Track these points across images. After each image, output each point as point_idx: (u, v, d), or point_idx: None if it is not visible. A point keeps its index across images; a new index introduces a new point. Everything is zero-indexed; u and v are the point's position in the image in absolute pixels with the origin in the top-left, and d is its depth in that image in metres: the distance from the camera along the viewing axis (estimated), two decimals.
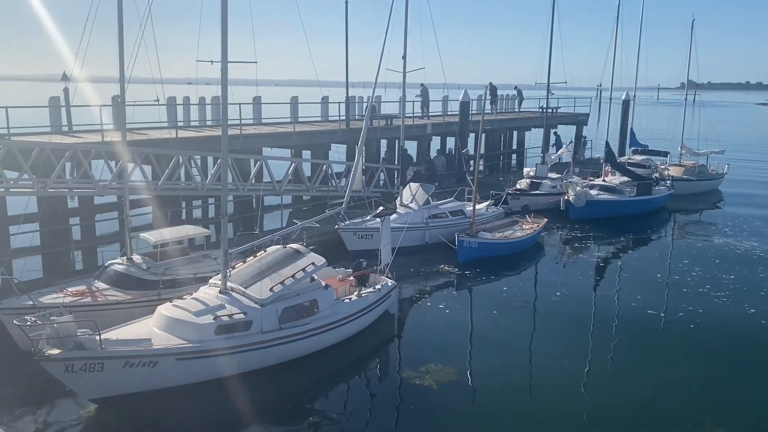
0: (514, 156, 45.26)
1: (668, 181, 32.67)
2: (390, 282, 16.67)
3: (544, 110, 38.93)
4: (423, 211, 23.30)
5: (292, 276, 14.00)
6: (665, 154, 39.20)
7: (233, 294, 13.53)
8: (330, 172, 26.56)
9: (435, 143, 38.92)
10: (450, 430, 11.46)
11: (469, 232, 21.80)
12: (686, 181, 34.76)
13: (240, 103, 24.69)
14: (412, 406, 12.20)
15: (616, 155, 35.30)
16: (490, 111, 41.91)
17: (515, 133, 45.05)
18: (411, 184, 24.74)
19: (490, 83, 43.49)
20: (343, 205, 19.71)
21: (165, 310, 12.99)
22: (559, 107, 46.77)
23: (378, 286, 16.21)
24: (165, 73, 14.86)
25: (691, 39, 39.26)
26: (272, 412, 11.99)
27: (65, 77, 24.11)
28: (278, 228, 20.13)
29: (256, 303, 13.27)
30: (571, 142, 40.91)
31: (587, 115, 48.37)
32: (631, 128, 41.63)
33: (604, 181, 30.82)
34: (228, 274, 13.89)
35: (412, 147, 37.10)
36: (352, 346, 14.75)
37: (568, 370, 13.67)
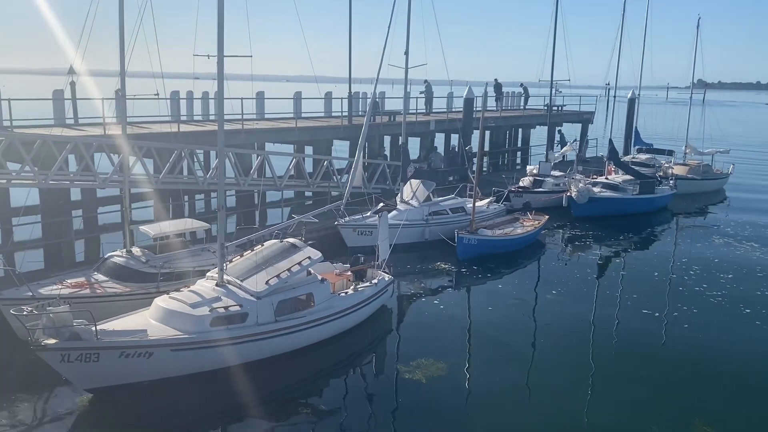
0: (518, 153, 45.21)
1: (672, 181, 32.56)
2: (387, 277, 16.75)
3: (548, 108, 38.83)
4: (423, 208, 23.34)
5: (288, 269, 14.12)
6: (670, 153, 39.06)
7: (230, 286, 13.66)
8: (331, 168, 26.63)
9: (439, 140, 38.91)
10: (434, 423, 11.56)
11: (469, 228, 21.84)
12: (690, 180, 34.63)
13: (242, 98, 24.78)
14: (401, 399, 12.32)
15: (621, 154, 35.20)
16: (495, 108, 41.87)
17: (520, 130, 44.99)
18: (412, 180, 24.79)
19: (495, 80, 43.46)
20: (343, 201, 19.80)
21: (162, 301, 13.14)
22: (565, 105, 46.59)
23: (375, 281, 16.30)
24: (165, 67, 15.00)
25: (696, 38, 39.11)
26: (266, 403, 12.09)
27: (72, 71, 24.28)
28: (278, 223, 20.23)
29: (252, 295, 13.40)
30: (575, 140, 40.79)
31: (592, 113, 48.22)
32: (636, 127, 41.48)
33: (606, 179, 30.76)
34: (225, 267, 14.01)
35: (415, 144, 37.12)
36: (347, 339, 14.87)
37: (561, 368, 13.72)
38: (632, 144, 41.53)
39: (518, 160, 44.10)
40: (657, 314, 16.91)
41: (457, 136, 34.49)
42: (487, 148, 39.73)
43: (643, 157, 37.67)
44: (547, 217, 24.94)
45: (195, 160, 23.05)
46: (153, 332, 12.40)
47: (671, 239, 26.94)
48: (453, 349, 14.46)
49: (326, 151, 30.09)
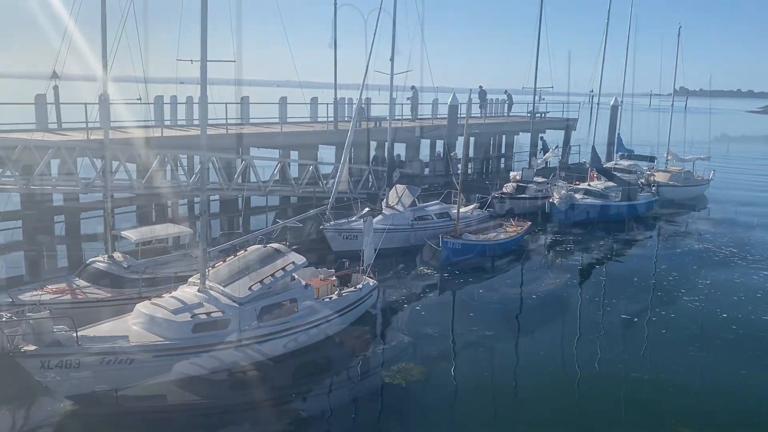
0: (502, 160, 45.48)
1: (654, 187, 32.96)
2: (371, 282, 16.79)
3: (532, 115, 39.19)
4: (408, 213, 23.46)
5: (272, 275, 14.09)
6: (652, 159, 39.54)
7: (212, 292, 13.60)
8: (317, 173, 26.65)
9: (424, 146, 39.07)
10: (414, 427, 11.65)
11: (454, 233, 22.00)
12: (672, 186, 35.09)
13: (226, 103, 24.76)
14: (382, 404, 12.43)
15: (603, 160, 35.58)
16: (479, 114, 42.15)
17: (504, 137, 45.30)
18: (397, 185, 24.89)
19: (480, 87, 43.80)
20: (328, 206, 19.85)
21: (143, 307, 13.05)
22: (548, 112, 46.97)
23: (359, 286, 16.33)
24: (149, 72, 14.98)
25: (677, 47, 39.73)
26: (249, 409, 12.08)
27: (55, 75, 24.11)
28: (262, 228, 20.21)
29: (234, 301, 13.35)
30: (557, 146, 41.18)
31: (576, 120, 48.68)
32: (618, 134, 41.95)
33: (589, 185, 31.06)
34: (207, 273, 13.97)
35: (400, 150, 37.22)
36: (330, 345, 14.87)
37: (542, 372, 13.85)
38: (615, 150, 41.97)
39: (502, 167, 44.38)
40: (636, 319, 17.13)
41: (442, 142, 34.69)
42: (471, 154, 39.95)
43: (625, 163, 38.07)
44: (529, 222, 25.18)
45: (179, 165, 22.96)
46: (134, 338, 12.31)
47: (652, 245, 27.28)
48: (434, 354, 14.54)
49: (312, 156, 30.11)
